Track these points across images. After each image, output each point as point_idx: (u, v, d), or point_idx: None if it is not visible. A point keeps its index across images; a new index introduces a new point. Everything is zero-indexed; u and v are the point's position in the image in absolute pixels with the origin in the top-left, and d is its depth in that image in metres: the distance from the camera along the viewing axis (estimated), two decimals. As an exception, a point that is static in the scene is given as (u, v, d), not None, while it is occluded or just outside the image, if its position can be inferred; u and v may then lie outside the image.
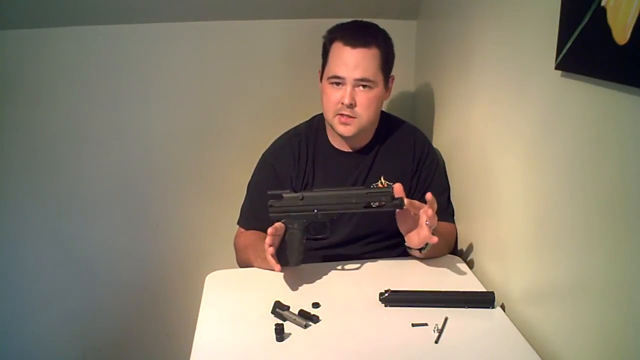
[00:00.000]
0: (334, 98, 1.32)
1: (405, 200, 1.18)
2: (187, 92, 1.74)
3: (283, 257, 1.22)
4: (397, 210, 1.20)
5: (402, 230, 1.25)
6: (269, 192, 1.23)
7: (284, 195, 1.22)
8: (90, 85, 1.69)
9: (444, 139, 1.56)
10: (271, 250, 1.18)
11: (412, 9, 1.72)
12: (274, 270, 1.21)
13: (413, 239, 1.23)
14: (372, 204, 1.19)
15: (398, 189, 1.20)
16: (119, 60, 1.68)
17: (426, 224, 1.17)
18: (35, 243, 1.78)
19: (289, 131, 1.48)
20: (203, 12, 1.64)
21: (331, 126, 1.38)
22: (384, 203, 1.19)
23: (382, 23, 1.39)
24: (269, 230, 1.19)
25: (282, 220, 1.22)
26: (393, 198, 1.18)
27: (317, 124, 1.47)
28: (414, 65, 1.79)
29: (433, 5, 1.64)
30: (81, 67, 1.66)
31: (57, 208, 1.77)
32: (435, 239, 1.18)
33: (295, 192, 1.23)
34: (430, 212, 1.17)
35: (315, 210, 1.22)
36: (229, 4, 1.63)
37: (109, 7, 1.58)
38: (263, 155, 1.47)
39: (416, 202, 1.21)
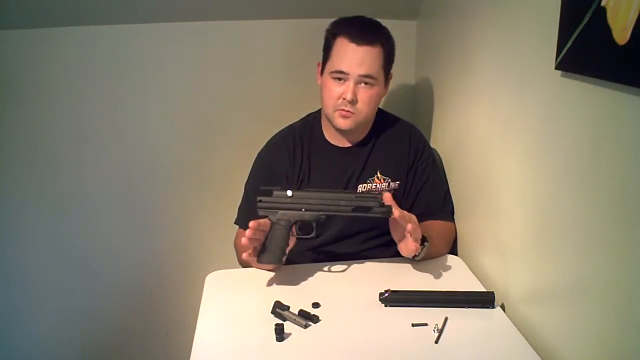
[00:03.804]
0: (335, 93, 1.32)
1: (396, 212, 1.17)
2: (188, 92, 1.74)
3: (268, 253, 1.22)
4: (389, 218, 1.20)
5: (394, 238, 1.25)
6: (261, 188, 1.24)
7: (274, 191, 1.23)
8: (90, 85, 1.68)
9: (444, 138, 1.56)
10: (250, 247, 1.20)
11: (412, 9, 1.72)
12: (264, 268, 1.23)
13: (402, 249, 1.23)
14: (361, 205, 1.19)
15: (387, 198, 1.19)
16: (119, 60, 1.68)
17: (408, 234, 1.18)
18: (35, 243, 1.78)
19: (283, 129, 1.48)
20: (203, 12, 1.64)
21: (329, 119, 1.38)
22: (372, 206, 1.18)
23: (381, 23, 1.38)
24: (251, 223, 1.19)
25: (269, 217, 1.23)
26: (382, 205, 1.18)
27: (312, 120, 1.47)
28: (414, 65, 1.79)
29: (433, 5, 1.64)
30: (81, 67, 1.66)
31: (57, 208, 1.77)
32: (417, 248, 1.20)
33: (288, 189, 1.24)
34: (410, 226, 1.17)
35: (303, 209, 1.22)
36: (229, 4, 1.63)
37: (109, 7, 1.58)
38: (258, 154, 1.47)
39: (405, 214, 1.20)
